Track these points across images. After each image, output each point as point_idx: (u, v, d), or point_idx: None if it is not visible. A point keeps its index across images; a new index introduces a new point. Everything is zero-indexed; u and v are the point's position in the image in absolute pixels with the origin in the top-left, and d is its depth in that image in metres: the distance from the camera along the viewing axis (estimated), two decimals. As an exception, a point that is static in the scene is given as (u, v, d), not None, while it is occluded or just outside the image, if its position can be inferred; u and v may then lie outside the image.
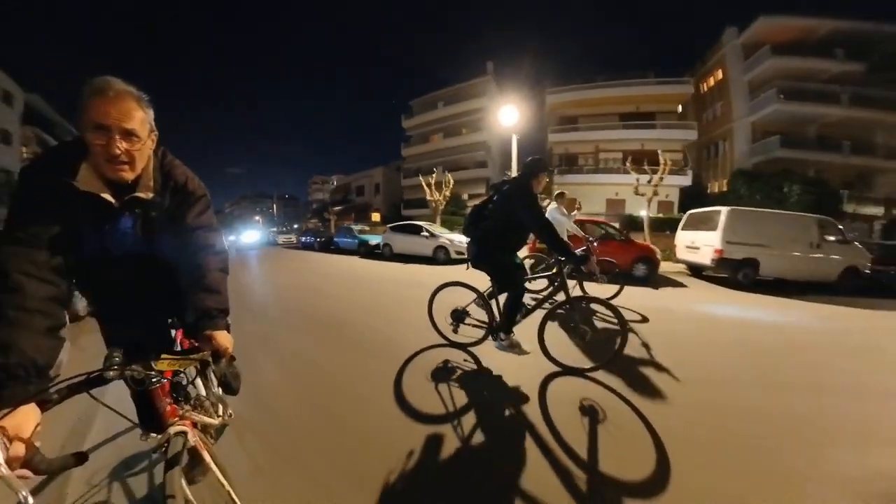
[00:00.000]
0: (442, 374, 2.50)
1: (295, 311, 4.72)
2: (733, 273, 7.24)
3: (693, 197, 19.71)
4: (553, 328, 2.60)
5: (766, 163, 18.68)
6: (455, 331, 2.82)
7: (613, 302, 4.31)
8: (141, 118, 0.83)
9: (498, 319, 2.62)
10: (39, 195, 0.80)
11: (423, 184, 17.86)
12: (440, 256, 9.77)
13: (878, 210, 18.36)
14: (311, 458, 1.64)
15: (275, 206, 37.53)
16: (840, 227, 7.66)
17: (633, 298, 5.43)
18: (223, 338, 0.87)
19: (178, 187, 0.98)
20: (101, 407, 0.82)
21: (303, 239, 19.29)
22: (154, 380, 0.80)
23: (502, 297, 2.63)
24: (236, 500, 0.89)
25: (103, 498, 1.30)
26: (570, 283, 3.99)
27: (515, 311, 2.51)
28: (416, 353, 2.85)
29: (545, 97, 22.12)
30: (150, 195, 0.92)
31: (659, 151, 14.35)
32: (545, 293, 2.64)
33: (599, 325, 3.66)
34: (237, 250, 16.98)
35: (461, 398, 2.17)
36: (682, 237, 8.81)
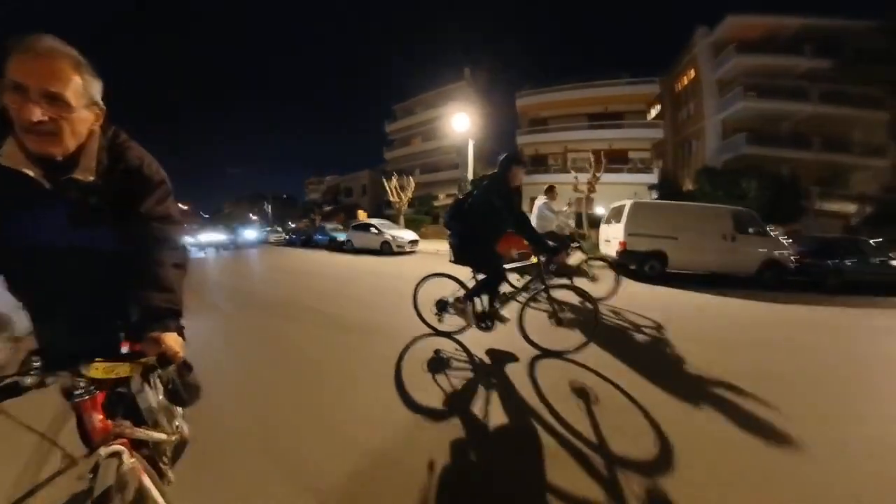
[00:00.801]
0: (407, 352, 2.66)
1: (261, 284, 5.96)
2: (639, 265, 7.03)
3: (668, 194, 19.24)
4: (532, 314, 2.65)
5: (736, 160, 18.10)
6: (440, 320, 2.89)
7: (611, 301, 4.37)
8: (74, 83, 0.69)
9: (481, 308, 2.72)
10: None
11: (388, 187, 18.44)
12: (385, 249, 11.48)
13: (851, 207, 17.52)
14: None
15: (269, 206, 37.53)
16: (759, 219, 7.36)
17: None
18: (172, 340, 0.74)
19: (131, 171, 0.84)
20: (12, 423, 0.66)
21: (289, 237, 21.38)
22: (79, 390, 0.67)
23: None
24: None
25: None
26: (562, 280, 4.07)
27: (486, 289, 2.61)
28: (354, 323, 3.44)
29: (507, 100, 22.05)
30: (91, 178, 0.78)
31: (590, 152, 14.10)
32: (525, 283, 2.75)
33: (575, 311, 3.60)
34: (236, 247, 18.46)
35: (440, 378, 2.28)
36: (602, 231, 8.68)
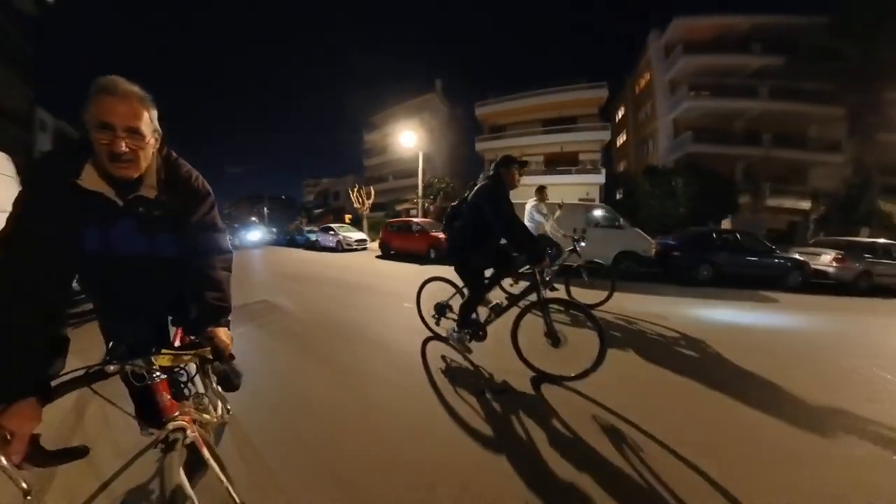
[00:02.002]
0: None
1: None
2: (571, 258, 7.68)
3: (627, 193, 18.94)
4: (528, 330, 2.26)
5: (686, 158, 17.62)
6: (437, 323, 2.79)
7: (604, 307, 3.93)
8: (145, 117, 0.80)
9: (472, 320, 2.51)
10: (44, 196, 0.77)
11: (352, 195, 19.74)
12: (339, 247, 13.12)
13: (805, 203, 16.63)
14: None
15: (266, 207, 37.69)
16: (615, 214, 7.46)
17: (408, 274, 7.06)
18: (224, 335, 0.83)
19: (183, 186, 0.94)
20: (100, 402, 0.77)
21: (278, 237, 22.94)
22: (154, 374, 0.79)
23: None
24: (235, 497, 0.86)
25: (104, 492, 1.22)
26: (559, 286, 3.94)
27: (468, 311, 2.41)
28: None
29: (474, 109, 22.37)
30: (154, 194, 0.88)
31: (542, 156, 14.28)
32: (520, 292, 2.37)
33: (577, 330, 2.92)
34: (236, 248, 19.06)
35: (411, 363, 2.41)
36: None
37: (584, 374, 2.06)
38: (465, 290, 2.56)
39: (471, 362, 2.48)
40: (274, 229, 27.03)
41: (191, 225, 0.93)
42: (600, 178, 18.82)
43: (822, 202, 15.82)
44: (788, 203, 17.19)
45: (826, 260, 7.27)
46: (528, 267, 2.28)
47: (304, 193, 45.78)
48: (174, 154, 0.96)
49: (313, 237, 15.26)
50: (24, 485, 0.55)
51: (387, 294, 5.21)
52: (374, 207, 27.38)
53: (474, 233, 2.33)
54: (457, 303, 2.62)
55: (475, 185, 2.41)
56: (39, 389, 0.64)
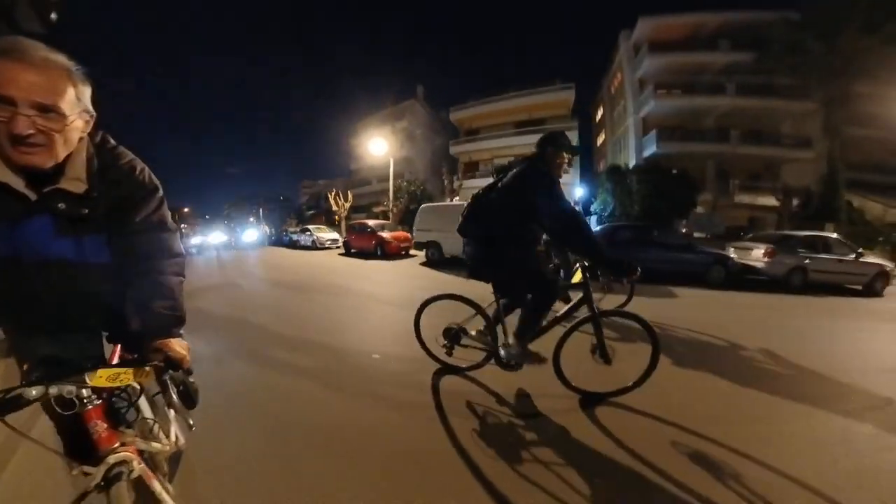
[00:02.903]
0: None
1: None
2: (425, 252, 8.64)
3: (590, 193, 18.42)
4: (571, 348, 1.83)
5: (655, 156, 17.01)
6: (449, 353, 2.08)
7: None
8: (69, 93, 0.62)
9: (503, 340, 1.93)
10: None
11: (330, 198, 20.09)
12: (313, 245, 14.44)
13: (776, 200, 15.77)
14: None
15: (261, 209, 37.22)
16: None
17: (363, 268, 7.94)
18: (179, 345, 0.72)
19: (122, 180, 0.76)
20: (25, 440, 0.64)
21: (272, 237, 23.72)
22: (86, 399, 0.64)
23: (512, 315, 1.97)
24: None
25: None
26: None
27: (536, 321, 1.82)
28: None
29: (437, 115, 22.22)
30: (83, 188, 0.70)
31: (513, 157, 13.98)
32: (567, 307, 1.87)
33: (621, 341, 2.56)
34: (235, 248, 17.95)
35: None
36: None
37: (628, 389, 1.82)
38: (505, 305, 1.96)
39: (488, 387, 1.98)
40: (267, 229, 27.07)
41: (134, 225, 0.77)
42: (566, 178, 18.28)
43: (793, 198, 15.02)
44: (762, 199, 16.35)
45: (757, 255, 6.71)
46: (578, 276, 1.83)
47: (300, 194, 45.47)
48: (111, 141, 0.78)
49: (294, 237, 16.27)
50: None
51: (336, 287, 5.70)
52: (357, 209, 27.66)
53: (516, 225, 1.75)
54: (477, 325, 2.04)
55: (512, 164, 1.90)
56: None
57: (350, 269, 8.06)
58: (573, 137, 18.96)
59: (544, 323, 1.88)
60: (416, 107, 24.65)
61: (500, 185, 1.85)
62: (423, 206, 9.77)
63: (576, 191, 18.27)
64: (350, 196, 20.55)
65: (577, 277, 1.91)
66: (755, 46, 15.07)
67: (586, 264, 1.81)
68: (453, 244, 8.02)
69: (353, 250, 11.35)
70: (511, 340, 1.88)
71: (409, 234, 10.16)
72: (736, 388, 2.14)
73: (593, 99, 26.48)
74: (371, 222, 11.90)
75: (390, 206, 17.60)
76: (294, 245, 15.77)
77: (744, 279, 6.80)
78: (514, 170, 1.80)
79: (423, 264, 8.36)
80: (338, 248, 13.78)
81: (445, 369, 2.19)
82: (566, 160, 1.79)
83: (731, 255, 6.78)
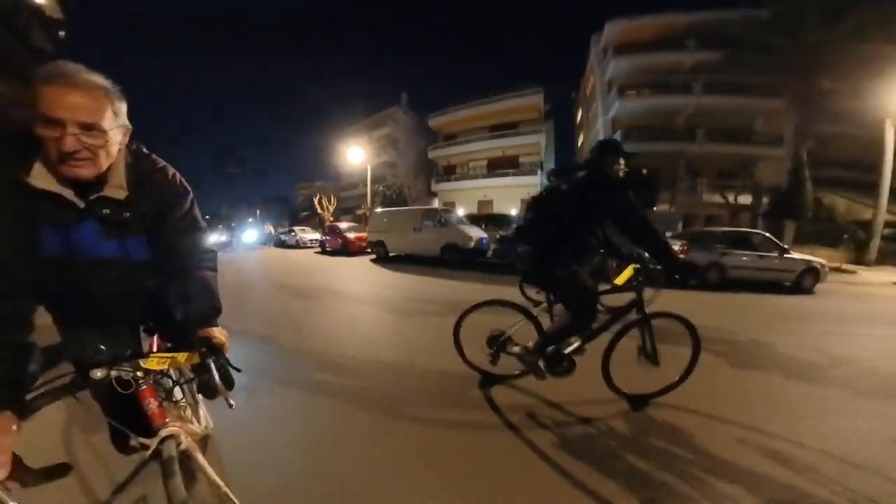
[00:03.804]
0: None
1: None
2: (374, 251, 9.29)
3: None
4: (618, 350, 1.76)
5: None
6: (494, 362, 1.96)
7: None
8: (104, 109, 0.65)
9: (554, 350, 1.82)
10: None
11: (315, 202, 20.49)
12: (297, 245, 15.51)
13: (747, 198, 15.17)
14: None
15: (258, 210, 37.11)
16: (441, 214, 8.31)
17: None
18: (219, 333, 0.77)
19: (157, 185, 0.81)
20: (77, 420, 0.71)
21: (269, 238, 24.18)
22: (141, 380, 0.69)
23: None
24: (236, 501, 0.78)
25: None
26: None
27: (564, 336, 1.76)
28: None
29: (422, 121, 22.29)
30: (124, 195, 0.75)
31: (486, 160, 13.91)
32: (616, 310, 1.81)
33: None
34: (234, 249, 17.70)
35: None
36: None
37: (671, 388, 1.80)
38: (545, 313, 1.88)
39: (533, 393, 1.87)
40: (272, 230, 27.05)
41: (170, 225, 0.83)
42: (536, 180, 18.11)
43: (764, 196, 14.43)
44: (740, 198, 15.74)
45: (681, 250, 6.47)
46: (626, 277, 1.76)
47: (297, 195, 44.84)
48: (145, 149, 0.84)
49: (283, 237, 17.40)
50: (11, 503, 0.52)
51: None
52: (347, 210, 28.07)
53: (577, 236, 1.70)
54: (523, 334, 1.92)
55: (567, 172, 1.81)
56: (11, 401, 0.57)
57: (317, 262, 9.24)
58: (541, 140, 18.77)
59: (592, 328, 1.78)
60: (398, 113, 24.81)
61: (562, 190, 1.75)
62: (375, 210, 10.38)
63: None
64: (334, 199, 20.96)
65: (623, 278, 1.80)
66: (722, 45, 14.65)
67: (639, 267, 1.73)
68: (396, 243, 8.72)
69: (327, 248, 12.03)
70: (531, 346, 1.79)
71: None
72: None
73: (574, 101, 26.19)
74: (343, 224, 12.73)
75: (368, 208, 17.79)
76: (283, 244, 16.65)
77: None
78: (578, 175, 1.72)
79: (373, 260, 8.92)
80: (313, 246, 14.78)
81: (488, 379, 2.01)
82: (622, 165, 1.74)
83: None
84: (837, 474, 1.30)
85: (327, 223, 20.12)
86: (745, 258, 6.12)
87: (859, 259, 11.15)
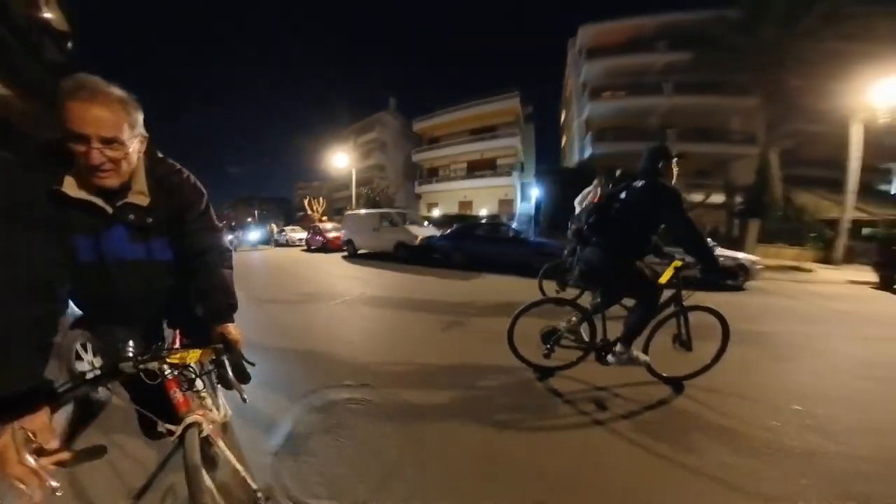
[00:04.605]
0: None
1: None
2: (346, 249, 10.27)
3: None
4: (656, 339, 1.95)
5: (601, 157, 16.50)
6: (548, 355, 2.05)
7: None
8: (123, 122, 0.67)
9: (602, 337, 1.99)
10: (25, 206, 0.65)
11: (305, 203, 21.11)
12: (286, 243, 16.25)
13: (721, 197, 14.76)
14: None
15: (257, 211, 36.83)
16: (396, 216, 9.13)
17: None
18: (234, 330, 0.81)
19: (175, 189, 0.83)
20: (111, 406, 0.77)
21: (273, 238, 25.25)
22: (167, 372, 0.74)
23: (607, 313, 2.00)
24: (253, 484, 0.80)
25: (122, 487, 1.14)
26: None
27: (642, 327, 1.90)
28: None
29: (410, 125, 22.61)
30: (146, 201, 0.78)
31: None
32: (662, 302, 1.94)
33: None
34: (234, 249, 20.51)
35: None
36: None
37: (703, 370, 1.96)
38: (605, 305, 2.00)
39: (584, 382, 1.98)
40: (276, 229, 27.47)
41: (188, 227, 0.86)
42: (511, 181, 18.18)
43: (737, 195, 14.03)
44: (714, 197, 15.36)
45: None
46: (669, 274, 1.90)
47: (295, 195, 44.54)
48: (161, 155, 0.86)
49: (276, 236, 18.27)
50: (51, 482, 0.54)
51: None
52: (339, 210, 28.76)
53: (638, 239, 1.84)
54: (578, 328, 2.05)
55: (626, 180, 1.92)
56: (47, 396, 0.60)
57: (298, 257, 10.24)
58: (517, 143, 18.79)
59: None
60: (386, 118, 25.24)
61: (623, 197, 1.88)
62: (346, 213, 11.30)
63: (532, 191, 18.05)
64: (323, 201, 21.57)
65: (666, 276, 1.95)
66: (692, 46, 14.40)
67: (680, 265, 1.88)
68: (361, 242, 9.60)
69: (311, 247, 12.70)
70: (619, 347, 1.94)
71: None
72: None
73: (558, 103, 26.06)
74: (328, 225, 13.59)
75: (353, 210, 18.32)
76: (276, 243, 17.67)
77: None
78: (639, 184, 1.83)
79: (344, 257, 9.80)
80: (300, 244, 16.11)
81: (542, 372, 2.09)
82: (676, 168, 1.85)
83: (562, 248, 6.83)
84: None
85: (314, 223, 20.73)
86: (676, 256, 6.17)
87: (827, 258, 10.74)
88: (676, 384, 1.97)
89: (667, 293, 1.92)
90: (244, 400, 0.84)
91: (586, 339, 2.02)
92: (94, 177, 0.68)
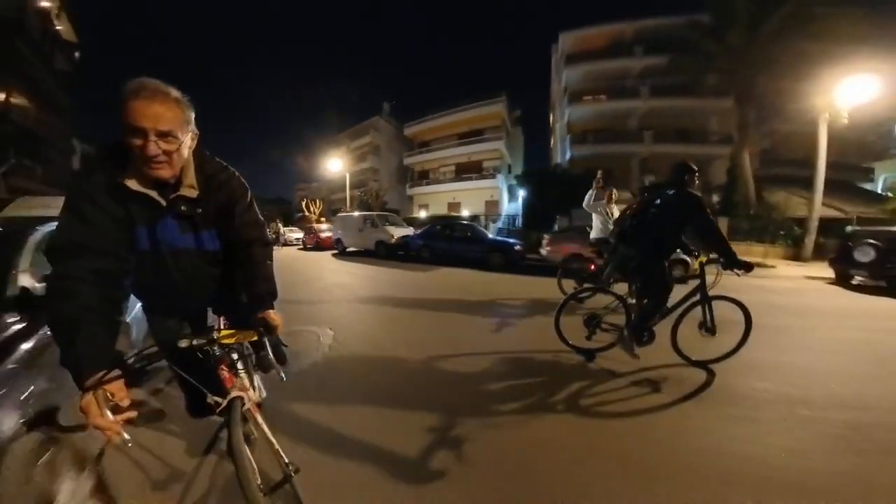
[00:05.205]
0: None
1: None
2: (337, 246, 10.96)
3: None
4: (683, 325, 2.13)
5: (581, 159, 16.77)
6: (590, 337, 2.29)
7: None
8: (178, 118, 0.72)
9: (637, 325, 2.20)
10: (93, 197, 0.73)
11: (303, 204, 21.74)
12: (283, 243, 16.33)
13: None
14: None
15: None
16: (375, 218, 10.02)
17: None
18: (275, 316, 0.84)
19: (223, 185, 0.88)
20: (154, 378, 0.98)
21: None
22: (217, 351, 0.82)
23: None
24: (284, 457, 0.84)
25: (171, 450, 1.29)
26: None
27: (649, 319, 2.12)
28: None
29: (402, 129, 23.21)
30: (195, 194, 0.83)
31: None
32: (687, 293, 2.15)
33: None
34: None
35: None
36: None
37: (728, 355, 2.10)
38: (637, 295, 2.23)
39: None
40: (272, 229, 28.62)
41: (235, 220, 0.91)
42: (495, 183, 18.60)
43: (713, 193, 14.13)
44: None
45: (543, 244, 6.98)
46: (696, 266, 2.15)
47: (295, 196, 45.05)
48: (209, 153, 0.91)
49: (272, 236, 18.45)
50: (125, 435, 0.63)
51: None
52: (333, 212, 29.44)
53: (668, 241, 2.13)
54: (614, 314, 2.29)
55: (657, 191, 2.22)
56: (121, 364, 0.69)
57: (295, 255, 10.93)
58: (502, 146, 19.17)
59: (668, 307, 2.17)
60: (380, 122, 25.75)
61: (658, 203, 2.18)
62: (337, 215, 12.37)
63: (519, 192, 18.40)
64: (320, 202, 22.20)
65: (694, 269, 2.29)
66: (667, 50, 14.62)
67: (704, 261, 2.12)
68: (349, 241, 10.45)
69: (307, 245, 13.55)
70: (626, 333, 2.19)
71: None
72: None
73: (546, 106, 26.35)
74: (323, 225, 14.40)
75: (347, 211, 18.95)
76: (275, 242, 18.58)
77: (528, 264, 7.16)
78: (669, 194, 2.13)
79: (334, 254, 10.58)
80: (296, 244, 16.75)
81: (585, 353, 2.29)
82: (697, 179, 2.17)
83: (517, 246, 7.26)
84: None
85: (310, 224, 21.52)
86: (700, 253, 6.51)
87: (797, 255, 10.81)
88: (705, 367, 2.11)
89: (680, 287, 2.13)
90: (282, 378, 0.91)
91: (621, 324, 2.24)
92: (149, 167, 0.72)
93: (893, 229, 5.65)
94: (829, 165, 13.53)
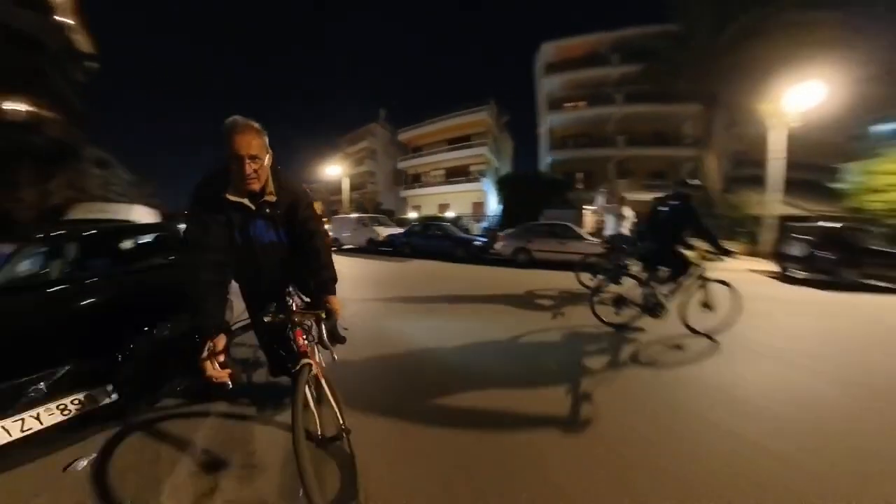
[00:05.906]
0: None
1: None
2: (334, 244, 11.51)
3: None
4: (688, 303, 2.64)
5: (562, 163, 17.58)
6: (617, 314, 2.85)
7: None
8: (261, 145, 0.98)
9: (654, 302, 2.78)
10: (207, 207, 1.01)
11: None
12: None
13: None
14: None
15: None
16: (367, 219, 11.23)
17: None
18: (336, 301, 1.04)
19: (291, 192, 1.13)
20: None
21: None
22: (296, 325, 1.02)
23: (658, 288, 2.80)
24: (341, 418, 1.03)
25: (250, 402, 1.50)
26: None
27: (675, 282, 2.76)
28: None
29: (397, 135, 24.28)
30: (274, 199, 1.09)
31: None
32: (686, 274, 2.77)
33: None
34: None
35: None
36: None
37: (724, 327, 2.63)
38: (670, 277, 2.80)
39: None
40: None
41: (300, 219, 1.14)
42: (480, 186, 19.51)
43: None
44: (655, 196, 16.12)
45: (497, 240, 7.92)
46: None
47: None
48: (280, 167, 1.15)
49: None
50: (227, 381, 0.87)
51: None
52: (335, 212, 30.56)
53: (681, 235, 2.81)
54: (633, 293, 2.85)
55: (668, 201, 2.84)
56: (225, 328, 0.95)
57: None
58: (487, 151, 20.03)
59: (672, 289, 2.81)
60: (377, 128, 26.66)
61: (666, 209, 2.83)
62: (334, 216, 13.42)
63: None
64: (320, 203, 23.50)
65: (694, 257, 2.78)
66: (641, 58, 15.27)
67: (704, 254, 2.71)
68: (345, 239, 11.43)
69: None
70: (661, 288, 2.81)
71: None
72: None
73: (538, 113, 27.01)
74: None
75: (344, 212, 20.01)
76: None
77: (487, 257, 8.04)
78: (677, 203, 2.78)
79: (332, 250, 12.29)
80: None
81: (617, 327, 2.76)
82: (696, 192, 2.90)
83: (476, 242, 8.24)
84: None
85: None
86: (547, 244, 7.41)
87: (754, 251, 11.45)
88: (710, 336, 2.60)
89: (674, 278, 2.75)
90: (334, 359, 1.10)
91: (642, 302, 2.82)
92: (245, 183, 0.99)
93: (823, 225, 5.86)
94: (799, 166, 14.02)
